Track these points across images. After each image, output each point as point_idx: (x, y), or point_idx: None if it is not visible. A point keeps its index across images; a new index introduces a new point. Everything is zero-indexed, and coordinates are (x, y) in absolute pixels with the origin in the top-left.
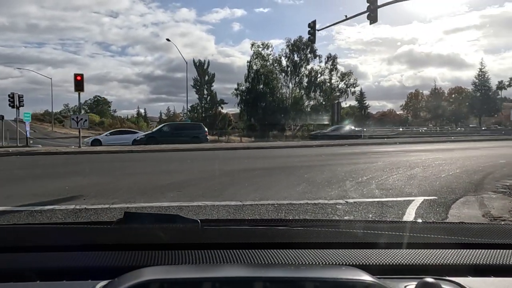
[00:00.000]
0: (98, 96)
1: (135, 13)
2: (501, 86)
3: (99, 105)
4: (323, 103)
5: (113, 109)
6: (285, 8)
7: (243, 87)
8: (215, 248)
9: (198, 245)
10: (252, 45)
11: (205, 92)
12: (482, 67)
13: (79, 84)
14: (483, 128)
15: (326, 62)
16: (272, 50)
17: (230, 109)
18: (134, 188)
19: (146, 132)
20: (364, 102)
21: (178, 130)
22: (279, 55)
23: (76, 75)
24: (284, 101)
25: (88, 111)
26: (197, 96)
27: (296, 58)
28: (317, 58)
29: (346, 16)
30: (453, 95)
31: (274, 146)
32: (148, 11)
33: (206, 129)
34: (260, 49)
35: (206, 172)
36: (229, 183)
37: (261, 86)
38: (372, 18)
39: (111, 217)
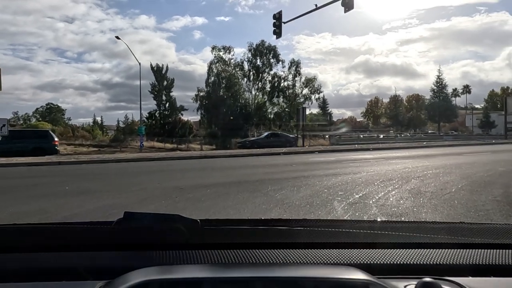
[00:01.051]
0: (51, 103)
1: (92, 19)
2: (455, 93)
3: (52, 113)
4: (287, 109)
5: (67, 117)
6: (245, 18)
7: (203, 93)
8: (215, 248)
9: (198, 245)
10: (213, 48)
11: (164, 98)
12: (440, 74)
13: None
14: (441, 134)
15: (289, 68)
16: (233, 55)
17: (193, 117)
18: (22, 219)
19: None
20: (327, 109)
21: (12, 139)
22: (241, 59)
23: None
24: (247, 106)
25: (40, 119)
26: (155, 102)
27: (258, 62)
28: (280, 63)
29: (316, 5)
30: (413, 102)
31: (235, 154)
32: (106, 17)
33: (55, 138)
34: (221, 53)
35: (141, 192)
36: (169, 209)
37: (223, 91)
38: (348, 4)
39: None
